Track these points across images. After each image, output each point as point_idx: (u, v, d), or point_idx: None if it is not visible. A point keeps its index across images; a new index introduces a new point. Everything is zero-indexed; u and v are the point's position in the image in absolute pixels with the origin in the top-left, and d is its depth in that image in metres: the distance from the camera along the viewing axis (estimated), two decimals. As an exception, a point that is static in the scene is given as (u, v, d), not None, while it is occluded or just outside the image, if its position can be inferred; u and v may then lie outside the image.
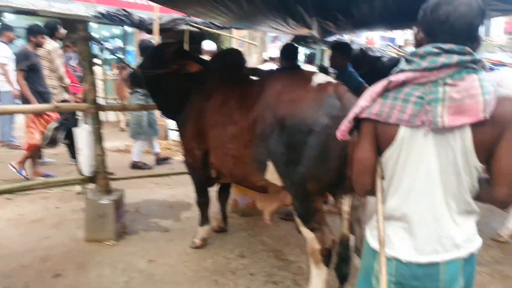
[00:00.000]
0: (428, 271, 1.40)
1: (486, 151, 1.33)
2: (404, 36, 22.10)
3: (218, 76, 3.24)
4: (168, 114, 3.79)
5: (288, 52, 4.20)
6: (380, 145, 1.45)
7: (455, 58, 1.30)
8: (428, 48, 1.33)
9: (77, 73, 6.67)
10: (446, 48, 1.31)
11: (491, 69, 11.67)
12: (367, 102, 1.41)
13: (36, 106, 4.84)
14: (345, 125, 1.51)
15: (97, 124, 3.60)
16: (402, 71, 1.38)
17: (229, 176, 3.20)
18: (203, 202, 3.63)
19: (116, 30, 15.06)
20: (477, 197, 1.43)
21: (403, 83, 1.36)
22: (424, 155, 1.36)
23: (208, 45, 6.78)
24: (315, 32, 4.80)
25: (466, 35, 1.33)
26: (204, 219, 3.64)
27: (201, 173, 3.42)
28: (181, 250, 3.61)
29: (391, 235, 1.45)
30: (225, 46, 14.44)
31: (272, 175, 2.72)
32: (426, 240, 1.40)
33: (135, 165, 6.31)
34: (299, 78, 2.71)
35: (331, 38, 5.61)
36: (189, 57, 3.46)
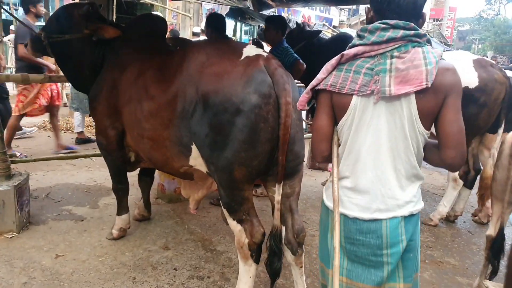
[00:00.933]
0: (372, 227, 1.52)
1: (430, 117, 1.45)
2: (340, 18, 22.36)
3: (135, 43, 2.80)
4: (78, 86, 3.25)
5: (215, 22, 3.82)
6: (336, 114, 1.55)
7: (400, 32, 1.42)
8: (376, 24, 1.45)
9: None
10: (392, 23, 1.42)
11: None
12: (323, 74, 1.51)
13: None
14: (303, 96, 1.58)
15: (-10, 97, 3.02)
16: (354, 46, 1.48)
17: (147, 160, 2.81)
18: (120, 188, 3.21)
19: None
20: (428, 161, 1.56)
21: (354, 56, 1.47)
22: (373, 122, 1.47)
23: None
24: (249, 4, 4.46)
25: (411, 12, 1.46)
26: (122, 208, 3.24)
27: (116, 156, 2.99)
28: (96, 242, 3.19)
29: (341, 194, 1.56)
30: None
31: (196, 160, 2.39)
32: (371, 199, 1.51)
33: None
34: (226, 49, 2.36)
35: (267, 12, 5.29)
36: (103, 21, 2.97)
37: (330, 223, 1.60)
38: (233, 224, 2.32)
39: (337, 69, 1.49)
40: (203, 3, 11.06)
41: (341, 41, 4.27)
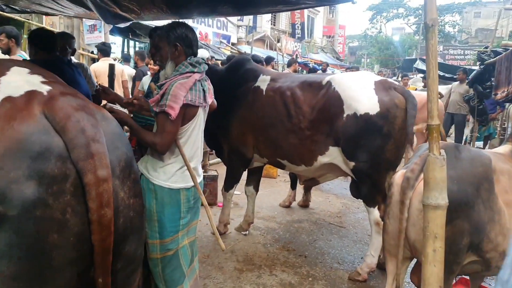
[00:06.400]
0: None
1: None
2: (238, 35, 21.82)
3: None
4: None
5: (41, 41, 3.01)
6: (183, 121, 2.09)
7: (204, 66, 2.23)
8: (198, 59, 2.17)
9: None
10: (200, 61, 2.19)
11: (315, 68, 12.58)
12: (184, 93, 2.03)
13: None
14: (177, 109, 2.00)
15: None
16: (193, 72, 2.11)
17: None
18: None
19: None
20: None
21: (197, 80, 2.12)
22: (201, 121, 2.23)
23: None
24: (97, 15, 3.43)
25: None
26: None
27: None
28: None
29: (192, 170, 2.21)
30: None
31: None
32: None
33: None
34: None
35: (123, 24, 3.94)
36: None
37: None
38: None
39: (190, 89, 2.06)
40: (84, 19, 8.32)
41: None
